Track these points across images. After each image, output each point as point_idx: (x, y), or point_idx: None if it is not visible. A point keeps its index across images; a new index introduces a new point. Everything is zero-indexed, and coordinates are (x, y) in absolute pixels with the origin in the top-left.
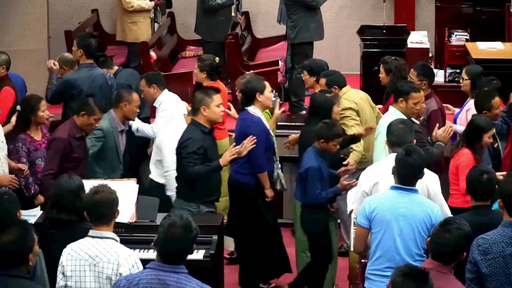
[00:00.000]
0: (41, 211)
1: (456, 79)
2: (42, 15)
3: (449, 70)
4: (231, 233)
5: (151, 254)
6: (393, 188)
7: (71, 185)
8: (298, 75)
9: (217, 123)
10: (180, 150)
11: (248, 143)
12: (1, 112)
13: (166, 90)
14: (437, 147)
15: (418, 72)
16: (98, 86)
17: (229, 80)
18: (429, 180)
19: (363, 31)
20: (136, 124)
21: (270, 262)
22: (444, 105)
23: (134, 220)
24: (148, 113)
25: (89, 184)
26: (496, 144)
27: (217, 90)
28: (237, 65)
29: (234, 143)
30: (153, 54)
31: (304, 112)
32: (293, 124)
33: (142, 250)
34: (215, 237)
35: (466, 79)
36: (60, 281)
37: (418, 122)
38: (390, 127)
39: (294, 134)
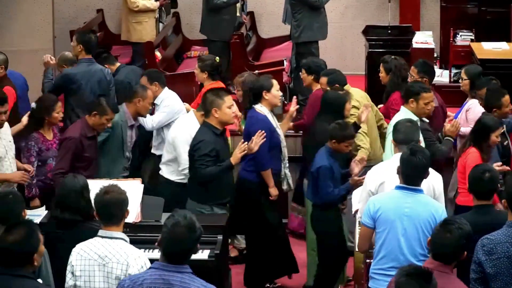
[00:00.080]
0: (46, 211)
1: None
2: (47, 15)
3: (454, 70)
4: (235, 231)
5: (156, 254)
6: (398, 188)
7: (76, 184)
8: None
9: (229, 124)
10: (193, 152)
11: (258, 138)
12: None
13: (166, 88)
14: (445, 143)
15: (419, 69)
16: (97, 81)
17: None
18: (435, 180)
19: (368, 31)
20: None
21: (275, 261)
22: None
23: (139, 220)
24: None
25: (94, 184)
26: (506, 141)
27: (228, 92)
28: (242, 65)
29: (242, 140)
30: (158, 54)
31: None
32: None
33: (147, 250)
34: (220, 237)
35: (465, 79)
36: (69, 280)
37: (427, 121)
38: (397, 125)
39: None
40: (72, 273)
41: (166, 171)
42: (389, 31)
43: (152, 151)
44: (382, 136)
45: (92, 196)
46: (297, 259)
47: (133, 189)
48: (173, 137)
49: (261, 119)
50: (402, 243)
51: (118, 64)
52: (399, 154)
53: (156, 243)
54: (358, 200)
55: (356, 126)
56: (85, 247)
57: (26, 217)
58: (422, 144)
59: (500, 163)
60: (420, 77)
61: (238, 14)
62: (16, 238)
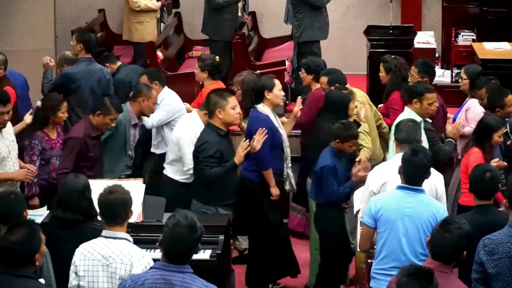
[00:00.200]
0: (48, 211)
1: None
2: (49, 15)
3: (455, 70)
4: (236, 232)
5: (158, 254)
6: (399, 188)
7: (77, 184)
8: None
9: (233, 125)
10: (197, 154)
11: (259, 136)
12: None
13: (166, 87)
14: (448, 144)
15: (419, 69)
16: (96, 80)
17: None
18: (436, 180)
19: (369, 31)
20: None
21: (276, 261)
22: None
23: (141, 220)
24: None
25: (95, 184)
26: (509, 141)
27: (232, 92)
28: (243, 65)
29: (244, 139)
30: (159, 54)
31: None
32: None
33: (149, 250)
34: (221, 237)
35: (465, 79)
36: (72, 280)
37: (430, 121)
38: (399, 125)
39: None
40: (76, 273)
41: (170, 171)
42: (391, 31)
43: (152, 150)
44: (381, 136)
45: (95, 195)
46: (298, 258)
47: (134, 189)
48: (178, 137)
49: (262, 119)
50: (403, 243)
51: (119, 63)
52: (401, 154)
53: (157, 243)
54: (359, 200)
55: (357, 124)
56: (89, 247)
57: (28, 217)
58: (425, 144)
59: (497, 159)
60: (421, 77)
61: (239, 14)
62: (18, 238)
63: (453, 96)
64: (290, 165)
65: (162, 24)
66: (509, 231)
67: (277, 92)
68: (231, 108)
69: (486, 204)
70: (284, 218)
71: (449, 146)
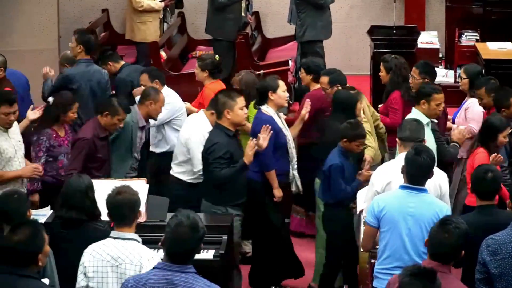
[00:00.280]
0: (51, 211)
1: None
2: (53, 15)
3: (459, 71)
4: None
5: (161, 254)
6: (402, 187)
7: (81, 184)
8: None
9: (241, 126)
10: (207, 155)
11: (264, 133)
12: None
13: (166, 86)
14: (453, 147)
15: (420, 70)
16: (96, 81)
17: None
18: (440, 179)
19: (373, 31)
20: None
21: (279, 263)
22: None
23: (144, 220)
24: None
25: (99, 184)
26: None
27: (240, 92)
28: (247, 65)
29: (251, 138)
30: (163, 54)
31: None
32: None
33: (152, 250)
34: (225, 237)
35: (464, 78)
36: (81, 281)
37: (436, 121)
38: (402, 124)
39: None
40: (85, 274)
41: (177, 171)
42: (394, 31)
43: (151, 149)
44: (378, 137)
45: (100, 195)
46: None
47: (138, 189)
48: (187, 138)
49: (265, 120)
50: (406, 242)
51: (122, 62)
52: (404, 153)
53: (160, 243)
54: (363, 200)
55: None
56: (98, 248)
57: (31, 217)
58: (432, 144)
59: (495, 154)
60: (422, 78)
61: (243, 14)
62: (21, 238)
63: (457, 96)
64: (295, 166)
65: (166, 24)
66: None
67: (281, 93)
68: (240, 109)
69: (488, 204)
70: (286, 218)
71: (454, 149)
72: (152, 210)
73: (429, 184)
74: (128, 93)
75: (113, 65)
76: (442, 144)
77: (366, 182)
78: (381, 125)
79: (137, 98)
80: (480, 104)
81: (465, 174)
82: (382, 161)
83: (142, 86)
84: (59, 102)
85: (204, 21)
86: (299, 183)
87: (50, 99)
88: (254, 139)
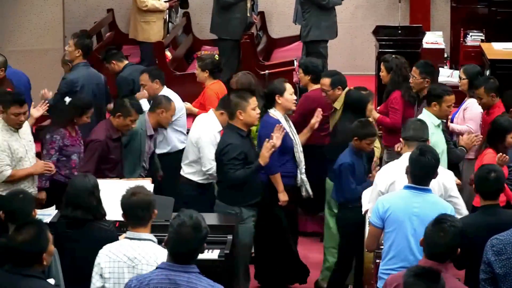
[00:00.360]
0: (56, 210)
1: None
2: (58, 14)
3: None
4: None
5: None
6: (406, 187)
7: (86, 184)
8: None
9: (254, 126)
10: (221, 156)
11: (278, 133)
12: None
13: (165, 87)
14: (459, 150)
15: (421, 70)
16: (96, 83)
17: None
18: (445, 178)
19: (378, 31)
20: None
21: (284, 266)
22: None
23: None
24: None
25: (104, 184)
26: None
27: (253, 93)
28: (252, 65)
29: (267, 140)
30: (168, 54)
31: None
32: None
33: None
34: (229, 237)
35: (464, 79)
36: (96, 282)
37: (444, 121)
38: (406, 124)
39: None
40: (100, 275)
41: (188, 172)
42: (399, 31)
43: None
44: None
45: (105, 195)
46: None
47: None
48: (197, 138)
49: (271, 123)
50: (412, 243)
51: (125, 61)
52: (408, 153)
53: (163, 243)
54: (368, 200)
55: None
56: (114, 248)
57: (36, 216)
58: (443, 145)
59: (500, 154)
60: (422, 77)
61: (248, 14)
62: (26, 237)
63: (462, 97)
64: (303, 170)
65: (171, 24)
66: None
67: (288, 97)
68: (252, 109)
69: (492, 204)
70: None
71: (461, 152)
72: (157, 210)
73: (433, 183)
74: (130, 92)
75: (116, 64)
76: (449, 144)
77: None
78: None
79: (141, 101)
80: (479, 104)
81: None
82: (380, 161)
83: (142, 86)
84: (77, 104)
85: (209, 21)
86: (308, 187)
87: (67, 99)
88: (271, 140)
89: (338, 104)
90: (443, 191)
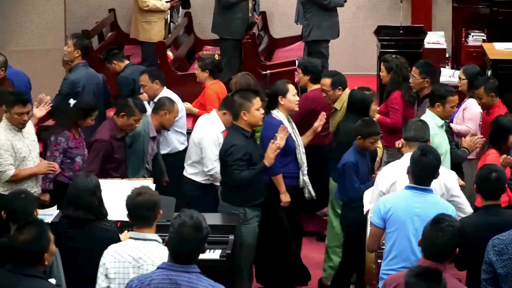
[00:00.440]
0: (58, 210)
1: None
2: (60, 14)
3: None
4: None
5: None
6: (408, 188)
7: (88, 184)
8: None
9: (258, 126)
10: (225, 158)
11: (282, 133)
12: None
13: (165, 88)
14: (462, 151)
15: (421, 70)
16: (95, 84)
17: None
18: (446, 178)
19: (380, 31)
20: None
21: (284, 267)
22: None
23: None
24: None
25: (105, 184)
26: None
27: (256, 93)
28: (254, 65)
29: (272, 141)
30: (170, 54)
31: None
32: None
33: None
34: (231, 237)
35: (463, 79)
36: (101, 282)
37: (447, 121)
38: (407, 124)
39: None
40: (106, 275)
41: (191, 172)
42: (401, 32)
43: None
44: None
45: (107, 195)
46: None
47: None
48: (200, 138)
49: (274, 124)
50: (413, 243)
51: (126, 62)
52: (409, 154)
53: (164, 243)
54: (369, 200)
55: None
56: (119, 249)
57: (38, 216)
58: (446, 145)
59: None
60: (422, 77)
61: (250, 14)
62: (27, 237)
63: (462, 97)
64: (306, 172)
65: (172, 24)
66: None
67: (291, 98)
68: (256, 110)
69: (493, 204)
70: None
71: (463, 153)
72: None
73: (434, 184)
74: (130, 91)
75: (117, 64)
76: (451, 145)
77: None
78: None
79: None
80: (479, 104)
81: None
82: (380, 161)
83: (142, 87)
84: (82, 107)
85: (210, 21)
86: (310, 188)
87: (72, 101)
88: (276, 141)
89: (338, 105)
90: (444, 191)
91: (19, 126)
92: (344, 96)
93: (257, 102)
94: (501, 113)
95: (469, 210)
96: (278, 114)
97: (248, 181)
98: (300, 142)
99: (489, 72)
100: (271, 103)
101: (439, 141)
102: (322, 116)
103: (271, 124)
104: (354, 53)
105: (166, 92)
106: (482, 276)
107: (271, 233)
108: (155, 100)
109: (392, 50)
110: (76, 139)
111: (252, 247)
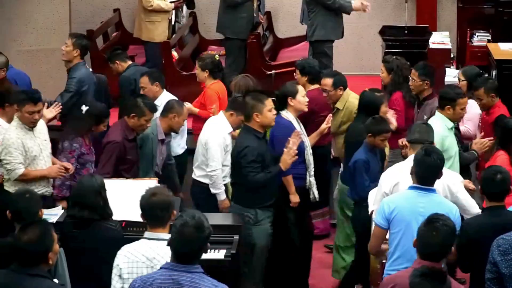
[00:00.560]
0: (63, 210)
1: None
2: (64, 14)
3: None
4: None
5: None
6: (411, 188)
7: (94, 184)
8: None
9: (270, 127)
10: (239, 159)
11: (295, 138)
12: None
13: (165, 90)
14: (470, 153)
15: (420, 72)
16: (94, 83)
17: None
18: (450, 179)
19: (385, 31)
20: None
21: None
22: None
23: None
24: None
25: (110, 184)
26: None
27: (268, 94)
28: (259, 65)
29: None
30: (175, 54)
31: None
32: None
33: None
34: (236, 237)
35: (463, 80)
36: (116, 283)
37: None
38: (412, 127)
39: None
40: (120, 276)
41: (198, 174)
42: (406, 32)
43: None
44: None
45: (112, 195)
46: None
47: None
48: (207, 138)
49: (283, 124)
50: None
51: (129, 62)
52: (413, 155)
53: (167, 244)
54: (373, 201)
55: None
56: (132, 249)
57: (43, 216)
58: (455, 147)
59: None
60: (422, 80)
61: (254, 14)
62: (31, 237)
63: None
64: (312, 173)
65: (177, 24)
66: None
67: (301, 99)
68: (268, 111)
69: (498, 206)
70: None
71: (471, 155)
72: None
73: (437, 185)
74: (131, 91)
75: (120, 64)
76: (458, 147)
77: None
78: None
79: None
80: (479, 105)
81: None
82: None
83: (142, 89)
84: (95, 114)
85: (215, 21)
86: (315, 189)
87: (84, 107)
88: (292, 147)
89: (340, 104)
90: (448, 193)
91: (30, 125)
92: (345, 96)
93: (269, 103)
94: (501, 112)
95: (474, 211)
96: (287, 114)
97: (263, 184)
98: (308, 143)
99: (494, 72)
100: (280, 104)
101: (449, 143)
102: (329, 118)
103: (281, 124)
104: (359, 53)
105: (166, 95)
106: (486, 276)
107: (278, 233)
108: (156, 102)
109: (397, 50)
110: (87, 145)
111: (264, 249)
